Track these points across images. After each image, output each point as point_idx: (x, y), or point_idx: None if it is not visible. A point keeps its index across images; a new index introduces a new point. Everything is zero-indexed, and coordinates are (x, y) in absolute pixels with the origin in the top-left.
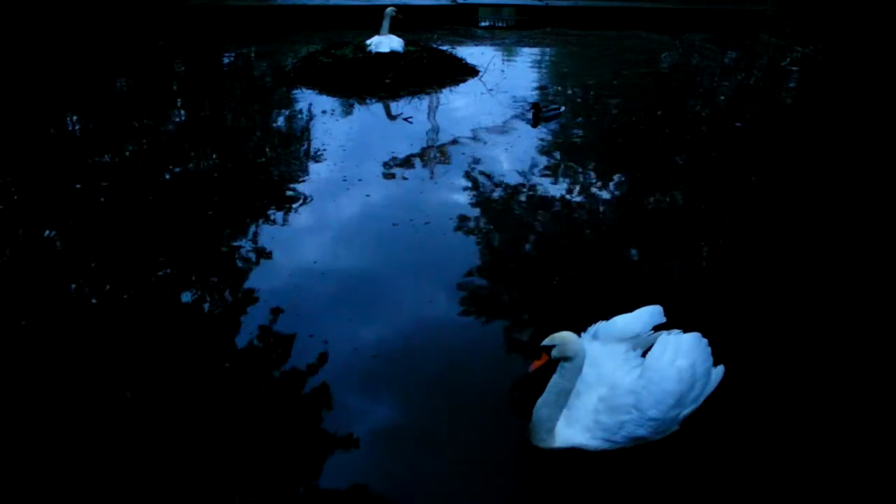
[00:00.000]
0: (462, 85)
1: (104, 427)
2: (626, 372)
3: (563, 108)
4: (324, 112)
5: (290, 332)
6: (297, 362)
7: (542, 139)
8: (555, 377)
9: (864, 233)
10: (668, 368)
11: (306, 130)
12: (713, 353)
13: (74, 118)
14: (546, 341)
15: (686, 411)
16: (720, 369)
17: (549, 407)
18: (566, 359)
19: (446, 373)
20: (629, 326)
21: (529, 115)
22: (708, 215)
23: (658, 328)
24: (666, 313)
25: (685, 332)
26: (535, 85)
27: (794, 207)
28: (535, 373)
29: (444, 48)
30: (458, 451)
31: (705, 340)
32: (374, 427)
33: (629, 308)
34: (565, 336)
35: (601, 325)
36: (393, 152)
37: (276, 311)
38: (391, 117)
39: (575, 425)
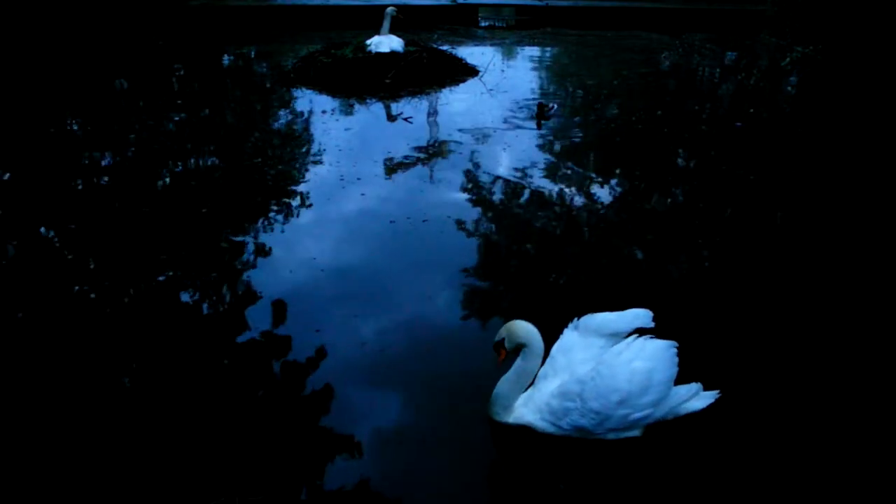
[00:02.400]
0: (462, 85)
1: (104, 426)
2: (588, 363)
3: (556, 107)
4: (324, 112)
5: (289, 329)
6: (298, 359)
7: (540, 139)
8: (518, 360)
9: (865, 232)
10: (622, 366)
11: (306, 130)
12: (706, 375)
13: (74, 118)
14: (497, 336)
15: (638, 414)
16: (694, 388)
17: (510, 384)
18: (524, 345)
19: (445, 370)
20: (610, 324)
21: (530, 115)
22: (707, 215)
23: (645, 332)
24: (659, 320)
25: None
26: (535, 85)
27: (794, 207)
28: (503, 364)
29: (444, 48)
30: (459, 449)
31: (673, 350)
32: (375, 425)
33: (625, 308)
34: (510, 326)
35: (584, 318)
36: (392, 152)
37: (276, 308)
38: (391, 117)
39: (530, 405)
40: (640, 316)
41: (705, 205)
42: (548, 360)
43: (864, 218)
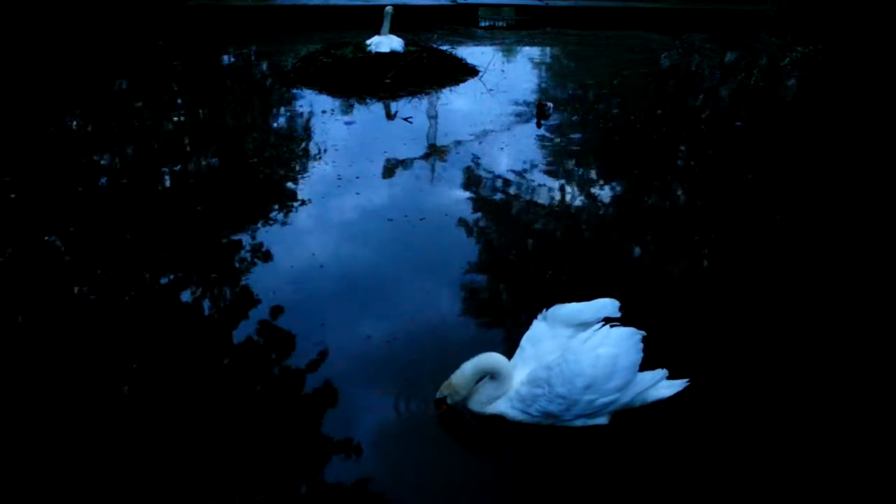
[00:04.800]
0: (462, 85)
1: (104, 425)
2: (556, 353)
3: (551, 105)
4: (323, 112)
5: (292, 324)
6: (302, 354)
7: (540, 138)
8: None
9: (864, 232)
10: (587, 352)
11: (306, 130)
12: (677, 364)
13: (74, 117)
14: (438, 395)
15: (604, 399)
16: (659, 374)
17: (488, 380)
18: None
19: (444, 368)
20: (577, 314)
21: (529, 115)
22: (705, 214)
23: (612, 321)
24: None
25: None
26: (536, 85)
27: (794, 207)
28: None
29: (444, 48)
30: (459, 447)
31: (638, 337)
32: (375, 424)
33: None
34: (450, 384)
35: (552, 309)
36: (392, 152)
37: (278, 303)
38: (391, 117)
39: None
40: (606, 305)
41: (703, 204)
42: (518, 350)
43: (861, 218)
